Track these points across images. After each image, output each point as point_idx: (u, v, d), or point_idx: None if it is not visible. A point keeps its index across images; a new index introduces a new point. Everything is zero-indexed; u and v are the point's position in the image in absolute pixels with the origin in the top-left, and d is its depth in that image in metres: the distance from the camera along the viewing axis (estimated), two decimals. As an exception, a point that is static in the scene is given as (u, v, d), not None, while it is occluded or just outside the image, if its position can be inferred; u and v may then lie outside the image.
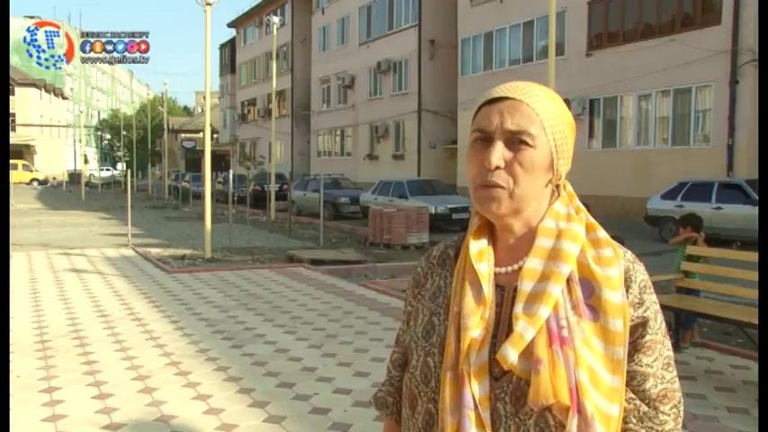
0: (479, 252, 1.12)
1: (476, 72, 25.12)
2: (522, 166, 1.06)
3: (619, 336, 1.03)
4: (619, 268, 1.07)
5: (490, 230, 1.15)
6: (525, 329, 1.01)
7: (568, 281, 1.05)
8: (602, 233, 1.10)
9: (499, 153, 1.06)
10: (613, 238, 1.13)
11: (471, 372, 1.05)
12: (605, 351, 1.02)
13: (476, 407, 1.04)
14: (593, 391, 0.99)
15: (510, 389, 1.04)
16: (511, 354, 1.01)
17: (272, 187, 23.24)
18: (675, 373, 1.11)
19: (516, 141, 1.06)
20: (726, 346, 5.84)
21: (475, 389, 1.04)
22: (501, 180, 1.06)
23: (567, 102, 19.67)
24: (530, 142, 1.06)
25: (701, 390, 4.72)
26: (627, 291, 1.07)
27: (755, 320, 4.84)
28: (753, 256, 5.08)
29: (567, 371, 0.99)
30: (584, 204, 1.17)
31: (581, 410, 0.98)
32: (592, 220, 1.12)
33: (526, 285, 1.05)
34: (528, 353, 1.01)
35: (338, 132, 35.91)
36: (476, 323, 1.06)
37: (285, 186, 24.74)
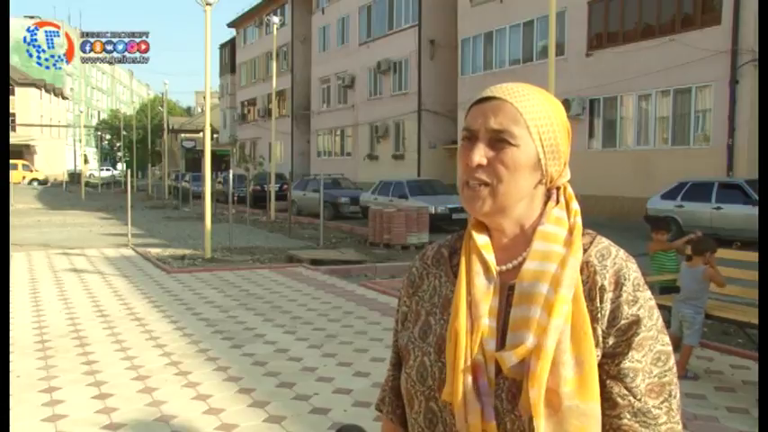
0: (486, 244, 1.14)
1: (476, 72, 25.13)
2: (503, 164, 1.08)
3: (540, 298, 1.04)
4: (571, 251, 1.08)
5: (487, 228, 1.16)
6: (528, 337, 1.03)
7: None
8: (576, 232, 1.11)
9: (481, 151, 1.09)
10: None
11: (485, 360, 1.06)
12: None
13: (490, 395, 1.05)
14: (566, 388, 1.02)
15: (506, 386, 1.05)
16: (512, 359, 1.03)
17: (272, 187, 23.24)
18: (668, 367, 1.10)
19: (499, 140, 1.08)
20: (726, 346, 5.83)
21: (491, 376, 1.06)
22: (483, 177, 1.09)
23: (567, 102, 19.68)
24: (512, 141, 1.08)
25: (701, 390, 4.72)
26: (621, 289, 1.08)
27: (755, 320, 4.85)
28: (753, 256, 5.09)
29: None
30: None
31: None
32: (578, 222, 1.13)
33: (524, 287, 1.07)
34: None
35: (338, 132, 35.91)
36: (486, 311, 1.09)
37: (285, 186, 24.73)
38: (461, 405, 1.05)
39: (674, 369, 1.11)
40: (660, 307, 4.72)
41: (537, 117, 1.09)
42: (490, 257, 1.12)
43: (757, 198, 11.90)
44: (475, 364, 1.06)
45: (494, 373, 1.06)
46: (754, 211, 11.10)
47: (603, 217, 16.96)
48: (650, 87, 18.73)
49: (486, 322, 1.08)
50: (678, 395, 1.11)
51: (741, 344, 5.90)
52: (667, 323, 5.28)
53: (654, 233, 6.48)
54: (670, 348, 1.12)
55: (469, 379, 1.06)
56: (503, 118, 1.08)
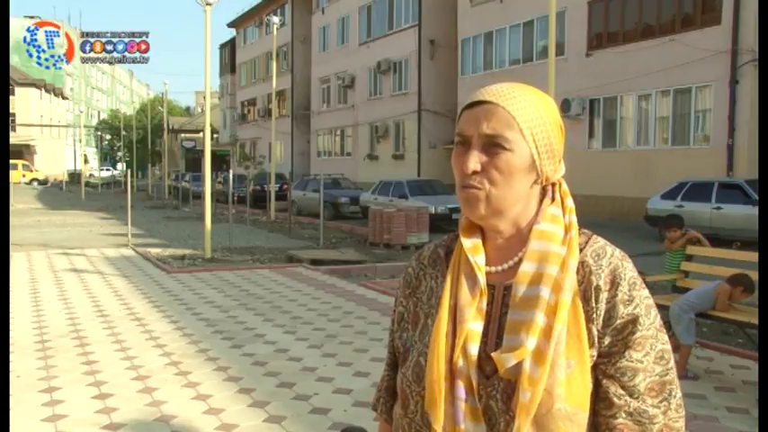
0: (474, 246, 1.14)
1: (476, 72, 25.13)
2: (498, 169, 1.08)
3: (542, 302, 1.05)
4: (568, 249, 1.09)
5: (480, 229, 1.16)
6: (527, 339, 1.03)
7: None
8: (573, 232, 1.11)
9: (475, 158, 1.08)
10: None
11: (467, 364, 1.06)
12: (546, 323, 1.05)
13: (467, 398, 1.05)
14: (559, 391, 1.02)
15: (501, 387, 1.05)
16: (511, 361, 1.03)
17: (272, 187, 23.24)
18: (669, 366, 1.10)
19: (493, 145, 1.08)
20: (726, 346, 5.84)
21: (473, 380, 1.06)
22: (478, 183, 1.09)
23: (567, 102, 19.69)
24: (506, 146, 1.08)
25: (701, 390, 4.72)
26: (616, 288, 1.08)
27: (755, 320, 4.85)
28: (753, 256, 5.08)
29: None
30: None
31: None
32: (573, 220, 1.13)
33: (523, 290, 1.07)
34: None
35: (338, 132, 35.91)
36: (472, 315, 1.08)
37: (285, 186, 24.73)
38: (438, 408, 1.06)
39: (674, 368, 1.11)
40: (666, 308, 4.65)
41: (530, 119, 1.09)
42: (478, 259, 1.12)
43: (757, 198, 11.90)
44: (454, 369, 1.06)
45: (476, 377, 1.06)
46: (754, 211, 11.10)
47: (603, 217, 16.96)
48: (650, 87, 18.72)
49: (471, 326, 1.08)
50: (679, 395, 1.11)
51: (741, 344, 5.89)
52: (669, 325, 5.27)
53: (666, 231, 6.43)
54: (670, 346, 1.12)
55: (444, 383, 1.06)
56: (496, 123, 1.08)
